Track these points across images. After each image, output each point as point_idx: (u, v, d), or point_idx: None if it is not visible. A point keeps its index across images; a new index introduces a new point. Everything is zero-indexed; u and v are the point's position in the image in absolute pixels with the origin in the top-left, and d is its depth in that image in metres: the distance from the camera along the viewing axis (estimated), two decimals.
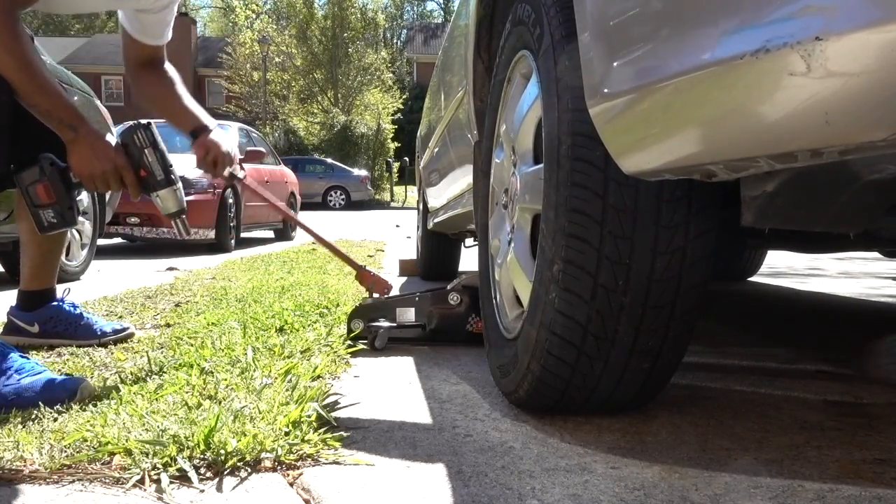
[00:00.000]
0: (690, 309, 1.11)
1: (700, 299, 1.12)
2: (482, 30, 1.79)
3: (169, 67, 1.90)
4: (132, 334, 2.01)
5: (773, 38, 0.58)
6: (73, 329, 1.91)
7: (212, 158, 1.82)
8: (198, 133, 1.83)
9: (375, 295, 1.99)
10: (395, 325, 1.93)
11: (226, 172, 1.85)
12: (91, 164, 1.51)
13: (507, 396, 1.34)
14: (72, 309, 1.94)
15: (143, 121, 1.61)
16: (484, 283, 1.62)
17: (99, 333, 1.93)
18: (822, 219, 0.87)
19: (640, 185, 1.03)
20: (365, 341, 1.90)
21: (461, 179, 2.46)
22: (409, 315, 1.95)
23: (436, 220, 3.46)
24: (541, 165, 1.21)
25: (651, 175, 0.88)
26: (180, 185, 1.65)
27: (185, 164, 6.66)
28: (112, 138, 1.57)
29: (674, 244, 1.06)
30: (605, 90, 0.86)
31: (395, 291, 2.06)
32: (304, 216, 10.14)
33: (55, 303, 1.93)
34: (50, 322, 1.90)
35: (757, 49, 0.60)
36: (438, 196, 3.26)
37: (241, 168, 1.93)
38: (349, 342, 1.86)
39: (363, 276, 2.02)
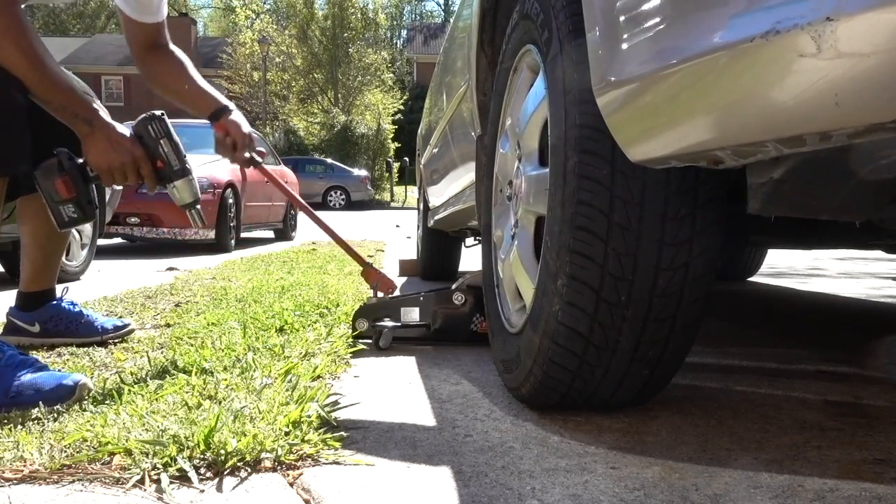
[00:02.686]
0: (691, 321, 1.12)
1: (701, 312, 1.13)
2: (485, 24, 1.79)
3: (175, 49, 1.87)
4: (133, 330, 2.01)
5: (784, 19, 0.58)
6: (74, 327, 1.91)
7: (231, 141, 1.81)
8: (218, 115, 1.82)
9: (380, 294, 1.99)
10: (399, 324, 1.93)
11: (246, 155, 1.84)
12: (109, 157, 1.50)
13: (511, 391, 1.36)
14: (71, 307, 1.93)
15: (157, 112, 1.59)
16: (487, 275, 1.62)
17: (100, 330, 1.93)
18: (828, 206, 0.87)
19: (645, 202, 1.04)
20: (367, 341, 1.90)
21: (462, 176, 2.46)
22: (413, 315, 1.95)
23: (436, 218, 3.46)
24: (545, 170, 1.21)
25: (658, 163, 0.88)
26: (195, 175, 1.64)
27: None
28: (126, 130, 1.55)
29: (677, 260, 1.07)
30: (613, 78, 0.86)
31: (396, 291, 2.06)
32: (303, 216, 10.17)
33: (54, 302, 1.92)
34: (51, 321, 1.90)
35: (767, 31, 0.59)
36: (439, 193, 3.26)
37: (260, 156, 1.92)
38: (349, 342, 1.86)
39: (369, 273, 2.02)
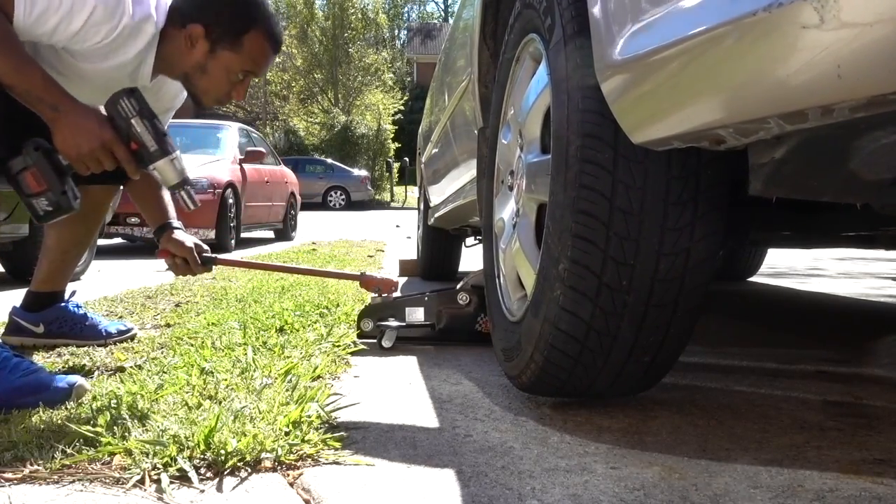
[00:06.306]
0: (692, 308, 1.12)
1: (702, 298, 1.12)
2: (488, 16, 1.79)
3: None
4: (135, 335, 2.01)
5: None
6: (77, 330, 1.91)
7: (181, 260, 1.85)
8: (162, 230, 1.86)
9: (384, 294, 1.99)
10: (403, 324, 1.93)
11: (200, 267, 1.88)
12: (77, 144, 1.38)
13: (511, 380, 1.35)
14: (76, 309, 1.93)
15: (130, 87, 1.46)
16: (488, 266, 1.62)
17: (104, 334, 1.93)
18: (830, 188, 0.86)
19: (648, 188, 1.04)
20: (367, 341, 1.90)
21: (464, 173, 2.47)
22: (418, 315, 1.95)
23: (437, 215, 3.46)
24: (548, 157, 1.22)
25: (661, 144, 0.88)
26: (178, 153, 1.50)
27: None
28: (99, 113, 1.43)
29: (678, 246, 1.06)
30: (616, 60, 0.87)
31: (396, 291, 2.06)
32: (303, 216, 10.04)
33: (61, 304, 1.92)
34: (55, 322, 1.89)
35: (769, 4, 0.59)
36: (440, 190, 3.27)
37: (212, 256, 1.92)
38: (349, 342, 1.86)
39: (367, 282, 2.01)
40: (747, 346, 2.05)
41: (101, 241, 5.46)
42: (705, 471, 1.00)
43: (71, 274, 1.96)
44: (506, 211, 1.52)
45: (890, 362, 1.91)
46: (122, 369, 1.58)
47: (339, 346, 1.82)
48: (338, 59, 29.59)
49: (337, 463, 1.02)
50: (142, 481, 0.93)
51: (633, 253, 1.06)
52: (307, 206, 14.94)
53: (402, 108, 29.77)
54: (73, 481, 0.94)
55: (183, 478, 0.94)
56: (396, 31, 41.48)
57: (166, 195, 1.91)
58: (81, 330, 1.91)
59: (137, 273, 4.21)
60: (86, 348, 1.84)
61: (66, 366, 1.64)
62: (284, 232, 8.65)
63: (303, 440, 1.06)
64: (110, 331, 1.95)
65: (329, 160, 23.74)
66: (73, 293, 1.97)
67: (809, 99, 0.62)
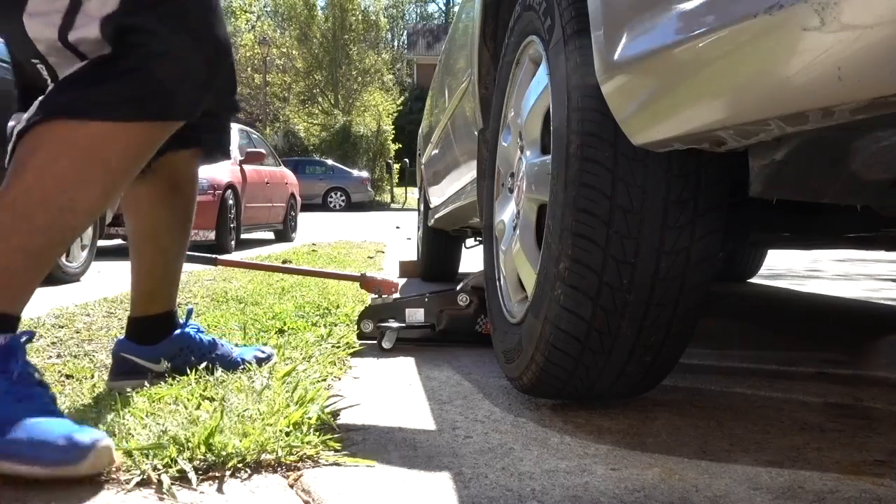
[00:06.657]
0: (693, 307, 1.12)
1: (703, 297, 1.13)
2: (488, 18, 1.79)
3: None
4: (276, 361, 1.63)
5: None
6: (210, 362, 1.49)
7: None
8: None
9: (384, 295, 1.99)
10: (404, 325, 1.93)
11: None
12: None
13: (511, 381, 1.35)
14: (201, 335, 1.51)
15: None
16: (488, 268, 1.62)
17: (239, 362, 1.54)
18: (830, 189, 0.87)
19: (648, 187, 1.04)
20: (367, 342, 1.90)
21: (464, 174, 2.47)
22: (418, 316, 1.95)
23: (437, 216, 3.47)
24: (548, 157, 1.22)
25: (662, 145, 0.88)
26: None
27: None
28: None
29: (679, 244, 1.07)
30: (616, 62, 0.87)
31: (397, 292, 2.06)
32: (304, 217, 10.04)
33: (179, 331, 1.47)
34: (180, 356, 1.46)
35: (770, 6, 0.60)
36: (440, 191, 3.27)
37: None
38: (349, 343, 1.86)
39: (367, 283, 2.01)
40: (747, 348, 2.05)
41: (102, 242, 5.46)
42: (705, 472, 1.00)
43: (178, 283, 1.49)
44: (506, 213, 1.52)
45: (890, 363, 1.91)
46: None
47: (339, 347, 1.82)
48: (338, 60, 29.64)
49: (337, 464, 1.02)
50: (142, 482, 0.93)
51: (634, 251, 1.06)
52: (307, 208, 14.95)
53: (400, 108, 29.81)
54: (73, 482, 0.93)
55: (183, 479, 0.94)
56: (397, 31, 41.53)
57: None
58: (213, 362, 1.49)
59: None
60: (86, 349, 1.84)
61: (66, 367, 1.64)
62: (284, 233, 8.66)
63: (303, 441, 1.06)
64: (245, 358, 1.56)
65: (329, 161, 23.79)
66: (190, 312, 1.54)
67: (810, 101, 0.62)
